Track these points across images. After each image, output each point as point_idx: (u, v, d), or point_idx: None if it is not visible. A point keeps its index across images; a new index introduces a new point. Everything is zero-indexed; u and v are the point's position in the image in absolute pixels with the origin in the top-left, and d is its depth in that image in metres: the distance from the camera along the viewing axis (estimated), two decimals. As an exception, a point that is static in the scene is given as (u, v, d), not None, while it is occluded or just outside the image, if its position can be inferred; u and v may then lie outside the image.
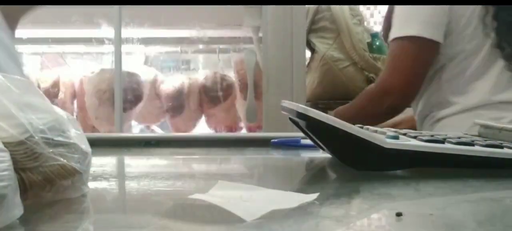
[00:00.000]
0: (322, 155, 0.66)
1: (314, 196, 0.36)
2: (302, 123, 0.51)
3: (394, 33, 1.17)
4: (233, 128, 1.89)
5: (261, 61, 1.63)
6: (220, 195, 0.36)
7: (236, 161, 0.72)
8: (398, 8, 1.19)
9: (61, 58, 2.03)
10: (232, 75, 1.87)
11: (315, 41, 2.07)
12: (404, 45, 1.15)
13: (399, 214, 0.33)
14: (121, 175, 0.60)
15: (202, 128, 1.92)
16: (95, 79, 1.82)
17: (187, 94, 1.87)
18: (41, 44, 2.01)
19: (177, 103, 1.87)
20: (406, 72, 1.16)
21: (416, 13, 1.15)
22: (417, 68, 1.16)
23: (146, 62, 2.05)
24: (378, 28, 2.47)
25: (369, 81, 1.91)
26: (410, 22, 1.15)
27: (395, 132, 0.54)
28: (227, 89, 1.86)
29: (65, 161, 0.37)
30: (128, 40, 1.79)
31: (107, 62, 1.99)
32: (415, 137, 0.51)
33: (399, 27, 1.16)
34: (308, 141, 0.69)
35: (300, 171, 0.64)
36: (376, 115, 1.23)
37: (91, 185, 0.44)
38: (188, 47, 1.97)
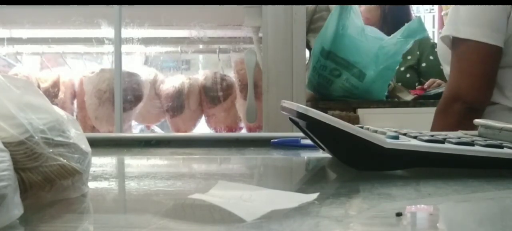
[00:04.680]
0: (322, 155, 0.66)
1: (314, 196, 0.36)
2: (302, 123, 0.51)
3: (460, 33, 1.09)
4: (233, 128, 1.89)
5: (261, 61, 1.63)
6: (220, 195, 0.36)
7: (236, 161, 0.72)
8: (463, 8, 1.11)
9: (61, 58, 2.03)
10: (232, 75, 1.87)
11: (313, 40, 2.07)
12: (473, 47, 1.07)
13: (399, 214, 0.33)
14: (121, 175, 0.60)
15: (202, 128, 1.92)
16: (95, 79, 1.82)
17: (187, 94, 1.87)
18: (41, 44, 2.01)
19: (177, 103, 1.87)
20: (476, 74, 1.08)
21: (483, 17, 1.09)
22: (486, 71, 1.08)
23: (146, 62, 2.05)
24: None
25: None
26: (479, 26, 1.08)
27: (395, 132, 0.54)
28: (227, 89, 1.86)
29: (65, 161, 0.37)
30: (128, 40, 1.79)
31: (107, 62, 1.99)
32: (415, 137, 0.51)
33: (469, 30, 1.08)
34: (308, 141, 0.69)
35: (300, 171, 0.64)
36: (450, 126, 1.08)
37: (91, 185, 0.44)
38: (188, 47, 1.97)
